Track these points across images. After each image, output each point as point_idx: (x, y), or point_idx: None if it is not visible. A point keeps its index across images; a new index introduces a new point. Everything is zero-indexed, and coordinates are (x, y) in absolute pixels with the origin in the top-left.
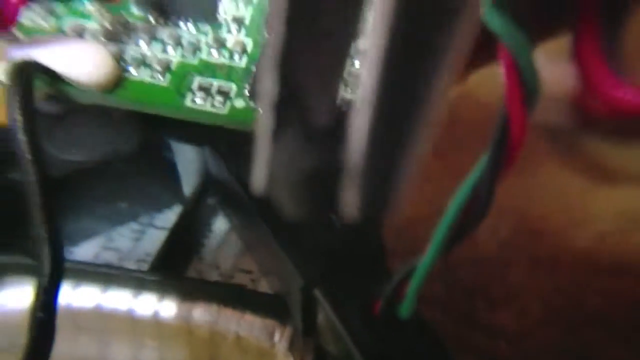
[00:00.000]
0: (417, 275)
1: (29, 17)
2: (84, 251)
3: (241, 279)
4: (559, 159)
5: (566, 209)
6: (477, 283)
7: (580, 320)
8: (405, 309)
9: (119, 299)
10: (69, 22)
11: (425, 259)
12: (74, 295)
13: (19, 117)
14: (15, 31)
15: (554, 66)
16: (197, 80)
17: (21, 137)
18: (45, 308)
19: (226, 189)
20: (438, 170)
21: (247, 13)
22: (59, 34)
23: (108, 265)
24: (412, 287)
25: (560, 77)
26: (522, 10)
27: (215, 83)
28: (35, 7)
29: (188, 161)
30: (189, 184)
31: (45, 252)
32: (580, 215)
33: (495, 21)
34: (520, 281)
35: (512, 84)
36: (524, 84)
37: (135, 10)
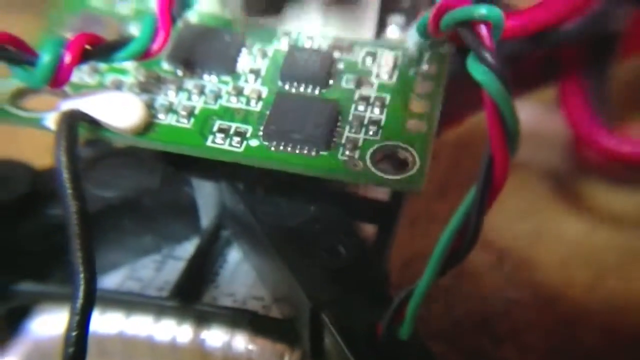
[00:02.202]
0: (414, 297)
1: (78, 75)
2: (109, 281)
3: (253, 305)
4: (560, 202)
5: (568, 247)
6: (482, 318)
7: (581, 356)
8: (405, 330)
9: (140, 325)
10: (109, 78)
11: (422, 282)
12: (100, 322)
13: (63, 158)
14: (66, 88)
15: (547, 114)
16: (217, 124)
17: (65, 174)
18: (79, 329)
19: (241, 222)
20: (443, 211)
21: (263, 65)
22: (101, 87)
23: (131, 293)
24: (410, 308)
25: (556, 123)
26: (502, 63)
27: (234, 125)
28: (83, 66)
29: (206, 196)
30: (206, 217)
31: (81, 277)
32: (582, 253)
33: (476, 71)
34: (524, 316)
35: (494, 128)
36: (506, 128)
37: (165, 66)
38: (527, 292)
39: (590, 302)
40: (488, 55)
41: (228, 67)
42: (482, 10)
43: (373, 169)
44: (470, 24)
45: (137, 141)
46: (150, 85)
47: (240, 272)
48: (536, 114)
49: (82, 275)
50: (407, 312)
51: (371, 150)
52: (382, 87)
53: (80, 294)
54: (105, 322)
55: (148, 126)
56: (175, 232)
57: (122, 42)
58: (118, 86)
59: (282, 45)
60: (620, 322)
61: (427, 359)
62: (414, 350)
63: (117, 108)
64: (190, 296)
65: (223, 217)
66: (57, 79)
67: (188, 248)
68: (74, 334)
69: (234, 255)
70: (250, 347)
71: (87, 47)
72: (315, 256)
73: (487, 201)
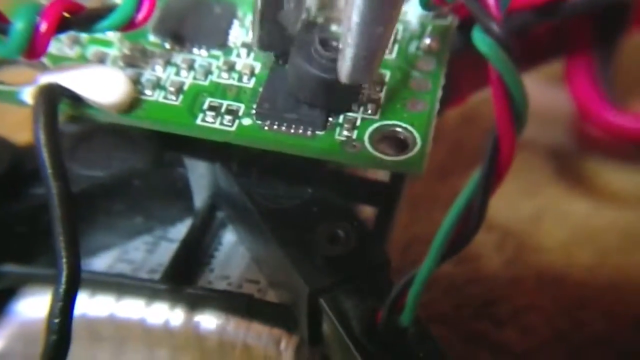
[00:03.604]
0: (415, 284)
1: (57, 46)
2: (99, 263)
3: (249, 289)
4: (563, 181)
5: (570, 227)
6: (483, 301)
7: (584, 340)
8: (406, 317)
9: (132, 308)
10: (92, 50)
11: (423, 268)
12: (89, 305)
13: (42, 135)
14: (44, 60)
15: (552, 90)
16: (207, 101)
17: (44, 153)
18: (61, 316)
19: (235, 204)
20: (445, 193)
21: None
22: (83, 61)
23: (122, 275)
24: (411, 295)
25: (560, 100)
26: (509, 35)
27: (225, 103)
28: (62, 37)
29: (200, 177)
30: (200, 198)
31: (63, 261)
32: (584, 234)
33: (482, 44)
34: (525, 299)
35: (501, 105)
36: (513, 104)
37: (152, 38)
38: (529, 274)
39: (592, 283)
40: (494, 26)
41: (219, 40)
42: None
43: (372, 150)
44: None
45: (122, 119)
46: (135, 59)
47: (235, 255)
48: (538, 90)
49: (65, 260)
50: (407, 299)
51: (370, 130)
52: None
53: (64, 279)
54: (94, 306)
55: (134, 103)
56: (167, 214)
57: (104, 11)
58: (101, 59)
59: None
60: (622, 303)
61: (429, 345)
62: (416, 336)
63: (100, 83)
64: (184, 279)
65: (217, 198)
66: (33, 49)
67: (181, 230)
68: (56, 320)
69: (229, 237)
70: (246, 331)
71: (66, 15)
72: (312, 240)
73: (492, 184)
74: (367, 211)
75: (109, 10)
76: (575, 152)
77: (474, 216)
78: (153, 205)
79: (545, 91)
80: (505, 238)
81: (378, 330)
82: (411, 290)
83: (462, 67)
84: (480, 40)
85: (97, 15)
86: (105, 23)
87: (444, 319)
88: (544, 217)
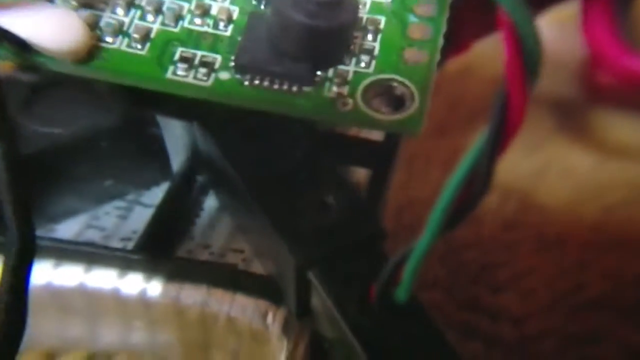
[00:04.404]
0: (413, 257)
1: None
2: (65, 229)
3: (233, 258)
4: (568, 134)
5: (574, 183)
6: (481, 266)
7: (585, 303)
8: (402, 292)
9: (103, 279)
10: None
11: (422, 241)
12: (55, 275)
13: None
14: None
15: (563, 34)
16: (179, 51)
17: None
18: (13, 290)
19: (216, 167)
20: (443, 151)
21: None
22: None
23: (91, 244)
24: (408, 270)
25: (570, 46)
26: None
27: (199, 54)
28: None
29: (176, 137)
30: (177, 161)
31: (13, 230)
32: (588, 190)
33: None
34: (525, 263)
35: (512, 55)
36: (525, 54)
37: None
38: (530, 235)
39: (595, 243)
40: None
41: None
42: None
43: (365, 108)
44: None
45: (78, 69)
46: None
47: (217, 222)
48: (546, 34)
49: (16, 231)
50: (404, 274)
51: (363, 85)
52: (375, 8)
53: (13, 249)
54: (61, 276)
55: (92, 51)
56: (141, 177)
57: None
58: None
59: None
60: (624, 261)
61: (424, 322)
62: (408, 310)
63: (50, 26)
64: (161, 248)
65: (196, 161)
66: None
67: (157, 194)
68: (6, 299)
69: (211, 203)
70: (230, 304)
71: None
72: (301, 208)
73: (500, 145)
74: (360, 173)
75: None
76: (581, 102)
77: (478, 182)
78: (124, 167)
79: (554, 35)
80: (506, 197)
81: (371, 306)
82: (408, 265)
83: (465, 11)
84: None
85: None
86: None
87: (438, 284)
88: (547, 173)
